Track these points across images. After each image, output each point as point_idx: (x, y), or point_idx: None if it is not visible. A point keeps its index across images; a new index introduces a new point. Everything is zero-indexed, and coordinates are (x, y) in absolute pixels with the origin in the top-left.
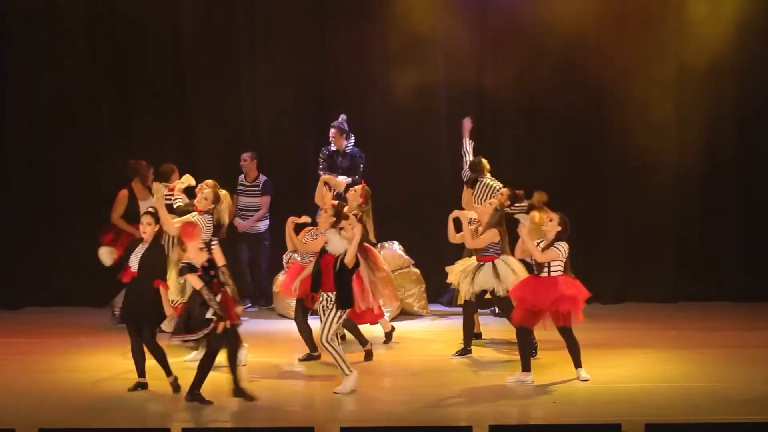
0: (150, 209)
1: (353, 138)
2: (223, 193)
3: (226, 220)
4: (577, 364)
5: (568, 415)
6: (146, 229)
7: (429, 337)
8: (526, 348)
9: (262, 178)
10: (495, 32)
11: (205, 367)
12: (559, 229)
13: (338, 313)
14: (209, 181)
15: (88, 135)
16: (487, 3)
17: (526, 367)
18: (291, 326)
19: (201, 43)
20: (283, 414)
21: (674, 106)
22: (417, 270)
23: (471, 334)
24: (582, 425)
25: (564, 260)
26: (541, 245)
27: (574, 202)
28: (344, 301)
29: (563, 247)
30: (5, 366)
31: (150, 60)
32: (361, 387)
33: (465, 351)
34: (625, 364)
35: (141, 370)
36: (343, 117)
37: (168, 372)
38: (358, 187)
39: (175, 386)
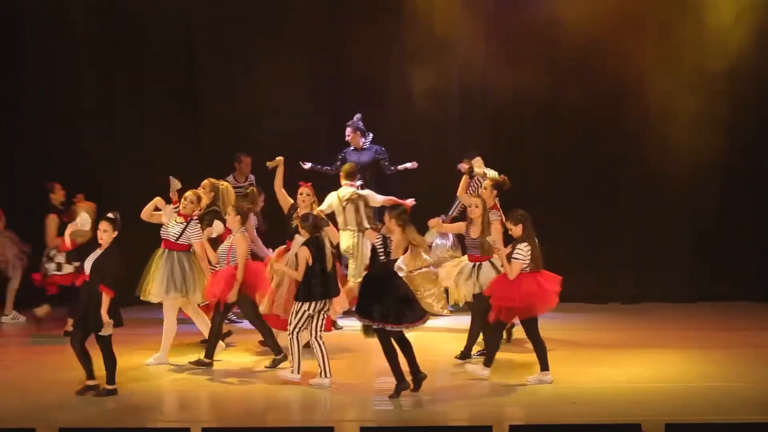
0: (110, 215)
1: (371, 135)
2: (223, 186)
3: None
4: (543, 367)
5: (588, 414)
6: (102, 236)
7: (448, 337)
8: (496, 343)
9: (251, 177)
10: (511, 32)
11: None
12: (520, 232)
13: (300, 306)
14: (204, 182)
15: (100, 134)
16: (503, 3)
17: (488, 363)
18: None
19: (213, 41)
20: (302, 414)
21: (691, 107)
22: (436, 270)
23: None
24: (602, 425)
25: (527, 261)
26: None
27: (591, 202)
28: (301, 293)
29: (522, 252)
30: (25, 366)
31: (162, 58)
32: (381, 386)
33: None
34: (645, 364)
35: (90, 372)
36: (358, 116)
37: (91, 376)
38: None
39: (91, 389)
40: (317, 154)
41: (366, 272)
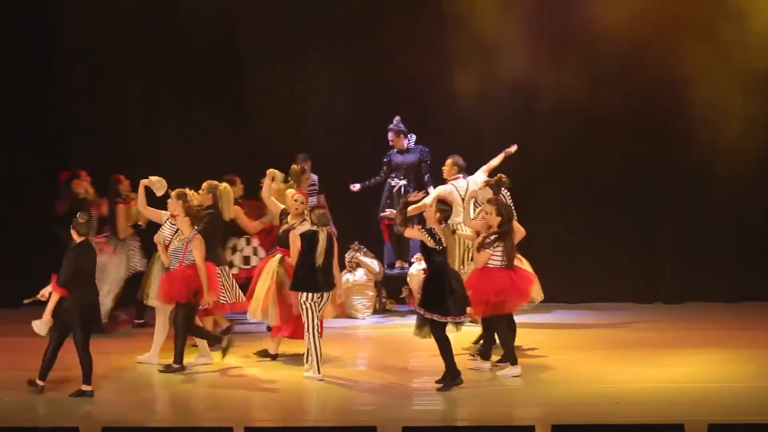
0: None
1: (413, 136)
2: (221, 187)
3: (227, 215)
4: (513, 361)
5: (630, 414)
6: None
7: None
8: (507, 338)
9: (314, 176)
10: (553, 33)
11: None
12: (496, 224)
13: (298, 298)
14: (204, 184)
15: (146, 135)
16: (546, 4)
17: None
18: (351, 323)
19: (258, 42)
20: (345, 413)
21: (736, 106)
22: None
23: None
24: (645, 425)
25: (499, 254)
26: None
27: (635, 202)
28: (291, 283)
29: (490, 242)
30: (69, 365)
31: (207, 59)
32: (422, 386)
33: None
34: (688, 364)
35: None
36: (397, 119)
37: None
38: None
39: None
40: (360, 155)
41: (426, 268)
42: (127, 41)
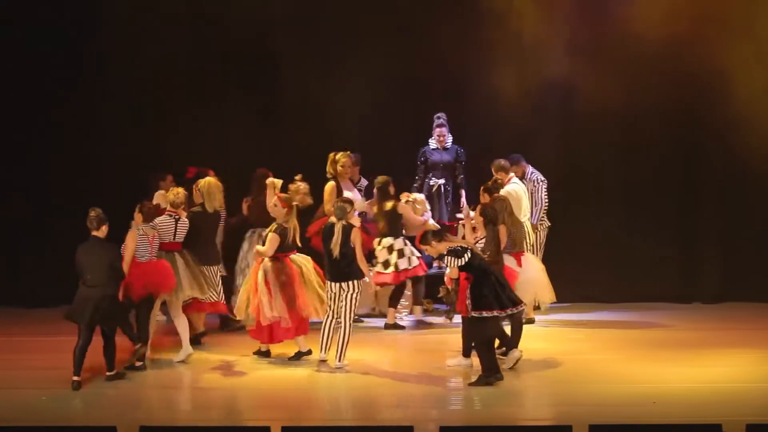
0: None
1: (451, 136)
2: (201, 183)
3: (210, 207)
4: (465, 353)
5: (667, 414)
6: None
7: (525, 336)
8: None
9: (364, 181)
10: (590, 32)
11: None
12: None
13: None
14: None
15: (183, 135)
16: (582, 2)
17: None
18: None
19: (294, 41)
20: (381, 413)
21: None
22: None
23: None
24: (682, 425)
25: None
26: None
27: (674, 201)
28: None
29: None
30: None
31: (243, 58)
32: (459, 387)
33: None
34: (727, 364)
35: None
36: (443, 114)
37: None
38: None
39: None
40: (395, 153)
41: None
42: (165, 38)
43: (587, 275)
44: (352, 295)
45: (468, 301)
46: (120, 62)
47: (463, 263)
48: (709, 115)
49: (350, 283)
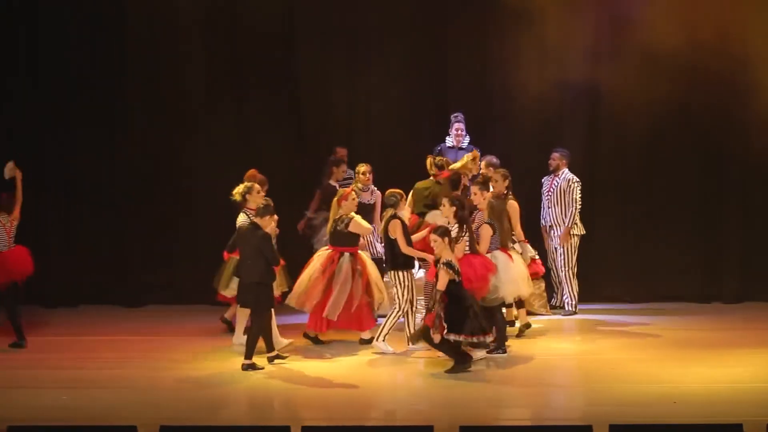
0: None
1: (468, 136)
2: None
3: None
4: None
5: (688, 414)
6: None
7: (548, 336)
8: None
9: (349, 171)
10: (613, 32)
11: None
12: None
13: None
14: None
15: (201, 132)
16: (607, 3)
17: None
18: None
19: (316, 43)
20: (402, 412)
21: None
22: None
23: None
24: (703, 425)
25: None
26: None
27: (695, 201)
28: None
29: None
30: (127, 364)
31: (263, 56)
32: (479, 387)
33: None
34: (748, 363)
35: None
36: (460, 113)
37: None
38: None
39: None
40: (416, 151)
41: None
42: (188, 36)
43: (608, 275)
44: (400, 285)
45: (438, 320)
46: (138, 64)
47: (455, 279)
48: (732, 117)
49: (393, 273)
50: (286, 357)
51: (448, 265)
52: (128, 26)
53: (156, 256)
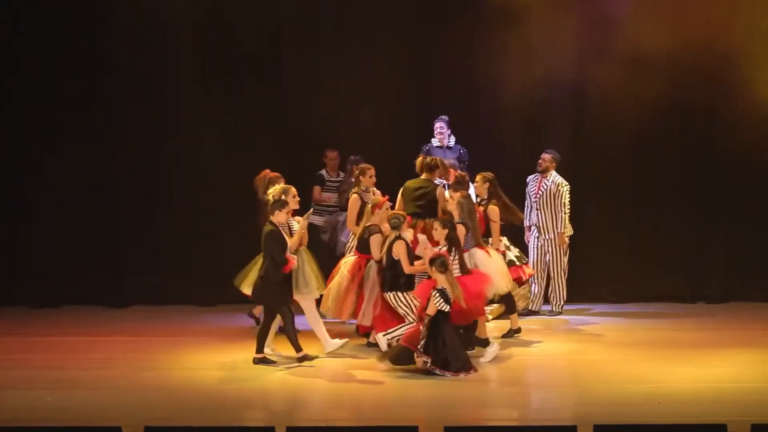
0: None
1: (453, 136)
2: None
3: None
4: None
5: (673, 414)
6: None
7: (533, 336)
8: None
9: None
10: (598, 30)
11: None
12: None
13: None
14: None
15: (192, 134)
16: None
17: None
18: None
19: (301, 43)
20: (387, 413)
21: None
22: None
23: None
24: (687, 425)
25: (456, 263)
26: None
27: (680, 201)
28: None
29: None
30: (111, 364)
31: (251, 61)
32: (463, 387)
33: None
34: (732, 364)
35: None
36: (445, 116)
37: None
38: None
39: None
40: (404, 153)
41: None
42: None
43: (593, 275)
44: (404, 305)
45: (422, 345)
46: (123, 65)
47: (444, 309)
48: (719, 117)
49: (394, 294)
50: (314, 357)
51: (442, 293)
52: (113, 29)
53: (142, 257)
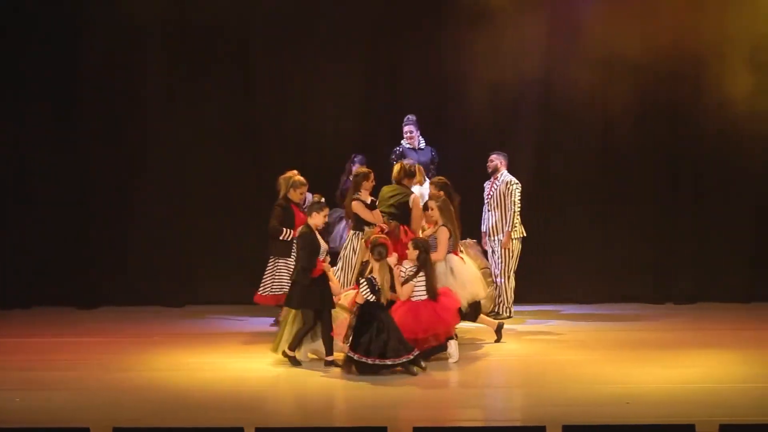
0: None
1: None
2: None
3: None
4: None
5: (641, 415)
6: None
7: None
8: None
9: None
10: (570, 30)
11: None
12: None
13: None
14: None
15: (161, 140)
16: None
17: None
18: None
19: (271, 47)
20: (356, 413)
21: (749, 101)
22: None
23: None
24: (656, 425)
25: (422, 286)
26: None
27: (648, 201)
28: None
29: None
30: (80, 365)
31: (219, 67)
32: (432, 388)
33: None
34: (700, 364)
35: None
36: (413, 115)
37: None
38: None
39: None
40: (375, 156)
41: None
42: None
43: (561, 276)
44: None
45: (349, 333)
46: (96, 69)
47: (370, 298)
48: (684, 116)
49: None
50: (339, 366)
51: (369, 282)
52: (84, 34)
53: (111, 258)
